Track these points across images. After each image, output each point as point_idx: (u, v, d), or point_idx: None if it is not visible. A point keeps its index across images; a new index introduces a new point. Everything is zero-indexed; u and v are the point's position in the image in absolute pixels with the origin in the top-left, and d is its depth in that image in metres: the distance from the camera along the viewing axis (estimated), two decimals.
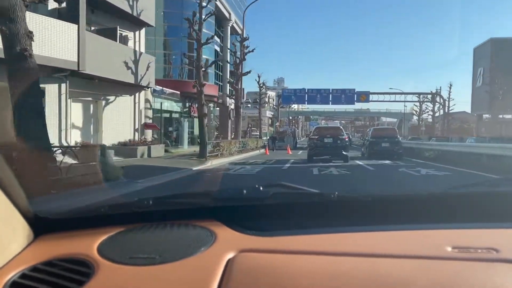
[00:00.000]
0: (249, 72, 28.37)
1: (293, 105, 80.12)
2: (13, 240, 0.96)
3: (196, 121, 31.02)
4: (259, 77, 39.46)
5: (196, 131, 31.40)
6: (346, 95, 47.84)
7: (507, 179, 1.53)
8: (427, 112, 57.68)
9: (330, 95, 48.28)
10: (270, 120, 60.83)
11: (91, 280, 0.84)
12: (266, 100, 55.12)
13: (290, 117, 79.09)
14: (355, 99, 47.76)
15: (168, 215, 1.12)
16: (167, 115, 25.70)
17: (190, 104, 27.86)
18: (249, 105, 58.75)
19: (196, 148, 21.49)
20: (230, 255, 0.90)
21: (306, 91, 48.62)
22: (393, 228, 1.02)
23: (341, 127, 19.85)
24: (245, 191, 1.15)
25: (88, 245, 0.98)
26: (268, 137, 37.72)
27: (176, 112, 27.04)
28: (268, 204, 1.12)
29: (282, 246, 0.93)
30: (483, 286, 0.76)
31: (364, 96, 47.59)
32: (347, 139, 16.89)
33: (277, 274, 0.82)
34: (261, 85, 39.50)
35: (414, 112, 57.74)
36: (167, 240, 0.99)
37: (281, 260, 0.87)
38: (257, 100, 40.63)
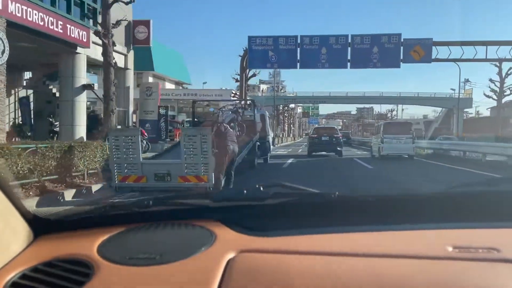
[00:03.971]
0: None
1: (282, 89, 55.98)
2: (13, 241, 0.98)
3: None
4: None
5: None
6: (382, 48, 22.99)
7: (507, 179, 1.55)
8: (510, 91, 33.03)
9: (349, 49, 23.40)
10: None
11: (91, 281, 0.86)
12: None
13: (281, 106, 54.45)
14: (402, 57, 23.03)
15: (168, 215, 1.13)
16: None
17: None
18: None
19: None
20: (230, 255, 0.91)
21: (299, 40, 23.79)
22: (394, 228, 1.02)
23: (335, 127, 25.77)
24: (245, 191, 1.14)
25: (88, 245, 0.99)
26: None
27: None
28: (268, 204, 1.12)
29: (282, 246, 0.94)
30: (484, 286, 0.77)
31: (420, 51, 22.74)
32: (341, 137, 20.99)
33: (277, 274, 0.83)
34: None
35: (492, 92, 32.93)
36: (167, 240, 1.00)
37: (281, 260, 0.88)
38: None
